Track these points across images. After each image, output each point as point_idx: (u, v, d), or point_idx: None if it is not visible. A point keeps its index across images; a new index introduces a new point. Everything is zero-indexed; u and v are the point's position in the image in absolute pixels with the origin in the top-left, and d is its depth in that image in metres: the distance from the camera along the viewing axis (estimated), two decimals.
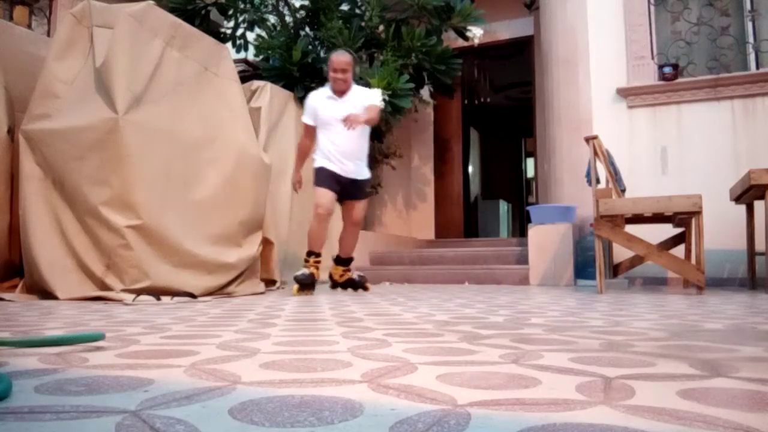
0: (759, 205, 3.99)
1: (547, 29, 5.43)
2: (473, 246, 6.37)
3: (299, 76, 5.41)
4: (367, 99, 3.55)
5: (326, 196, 3.49)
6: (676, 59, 5.09)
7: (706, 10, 5.10)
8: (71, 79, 3.14)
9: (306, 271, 3.48)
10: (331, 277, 3.92)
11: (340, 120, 3.40)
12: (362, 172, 3.67)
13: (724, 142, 4.80)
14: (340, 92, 3.55)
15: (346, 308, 2.43)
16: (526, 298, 3.11)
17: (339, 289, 3.90)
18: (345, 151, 3.54)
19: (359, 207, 3.71)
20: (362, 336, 1.46)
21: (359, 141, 3.58)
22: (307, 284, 3.45)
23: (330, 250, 4.14)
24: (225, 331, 1.56)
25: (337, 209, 3.85)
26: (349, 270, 3.82)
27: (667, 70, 4.96)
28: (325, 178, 3.53)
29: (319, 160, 3.57)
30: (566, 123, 5.16)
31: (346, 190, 3.61)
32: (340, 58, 3.55)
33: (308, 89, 4.38)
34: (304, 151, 3.75)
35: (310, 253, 3.55)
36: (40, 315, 2.09)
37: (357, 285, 3.83)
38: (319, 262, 3.54)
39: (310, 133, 3.65)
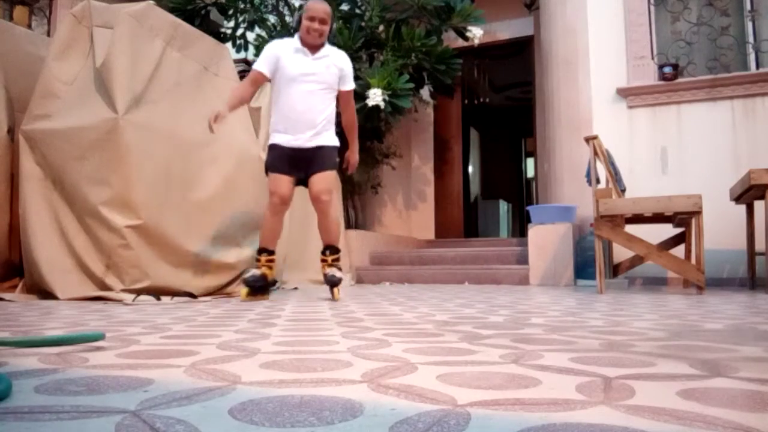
0: (759, 205, 3.99)
1: (547, 29, 5.43)
2: (473, 246, 6.37)
3: None
4: (342, 66, 2.99)
5: (282, 181, 2.92)
6: (676, 59, 5.09)
7: (706, 10, 5.10)
8: (71, 79, 3.14)
9: (256, 272, 2.93)
10: None
11: (307, 79, 2.89)
12: (328, 139, 2.98)
13: (724, 142, 4.80)
14: (312, 47, 2.93)
15: (346, 308, 2.43)
16: (526, 298, 3.11)
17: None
18: (306, 117, 2.90)
19: (318, 179, 2.94)
20: (362, 336, 1.46)
21: (325, 105, 2.96)
22: (257, 287, 2.94)
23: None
24: (225, 331, 1.56)
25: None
26: (326, 262, 3.05)
27: (667, 70, 4.97)
28: (279, 159, 2.92)
29: (274, 134, 2.97)
30: (566, 123, 5.16)
31: (311, 163, 2.95)
32: (319, 5, 2.93)
33: None
34: (241, 98, 2.94)
35: (261, 251, 2.99)
36: (40, 315, 2.09)
37: (330, 284, 3.06)
38: (272, 260, 2.99)
39: (257, 84, 2.98)
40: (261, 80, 2.96)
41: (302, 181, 3.01)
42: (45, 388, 0.84)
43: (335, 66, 2.97)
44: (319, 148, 2.94)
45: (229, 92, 2.87)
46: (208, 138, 3.46)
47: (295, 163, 2.93)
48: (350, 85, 3.05)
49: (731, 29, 5.02)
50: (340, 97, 3.05)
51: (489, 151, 11.02)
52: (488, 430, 0.63)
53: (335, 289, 3.02)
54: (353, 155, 3.14)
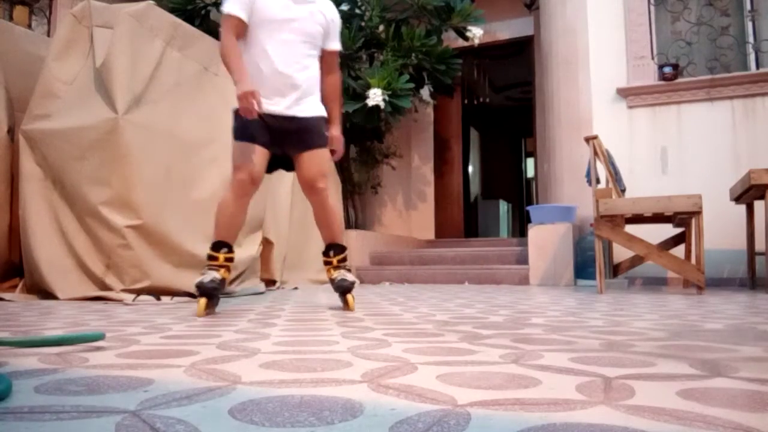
0: (759, 205, 3.99)
1: (547, 29, 5.43)
2: (473, 246, 6.37)
3: None
4: (330, 16, 2.39)
5: (256, 153, 2.23)
6: (676, 59, 5.09)
7: (706, 10, 5.10)
8: (71, 79, 3.14)
9: (216, 275, 2.18)
10: None
11: (286, 27, 2.27)
12: (315, 107, 2.34)
13: (724, 142, 4.80)
14: None
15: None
16: (526, 298, 3.11)
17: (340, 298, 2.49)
18: (286, 74, 2.26)
19: (309, 160, 2.32)
20: (362, 336, 1.46)
21: (308, 62, 2.33)
22: (214, 295, 2.20)
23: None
24: (225, 331, 1.56)
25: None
26: (332, 264, 2.41)
27: (667, 70, 4.97)
28: (250, 124, 2.20)
29: None
30: (566, 123, 5.16)
31: (293, 138, 2.30)
32: None
33: None
34: (240, 57, 2.22)
35: (218, 245, 2.25)
36: (40, 315, 2.09)
37: (340, 291, 2.41)
38: (231, 259, 2.27)
39: (240, 33, 2.25)
40: (241, 27, 2.26)
41: (280, 161, 2.37)
42: (45, 388, 0.84)
43: (321, 14, 2.37)
44: (305, 120, 2.31)
45: (225, 59, 2.20)
46: (208, 138, 3.46)
47: (271, 134, 2.27)
48: (337, 44, 2.46)
49: (731, 29, 5.02)
50: (323, 59, 2.42)
51: (489, 151, 11.02)
52: (488, 430, 0.63)
53: (349, 297, 2.39)
54: (339, 133, 2.46)
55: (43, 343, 1.22)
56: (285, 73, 2.27)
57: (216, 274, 2.18)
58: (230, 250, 2.27)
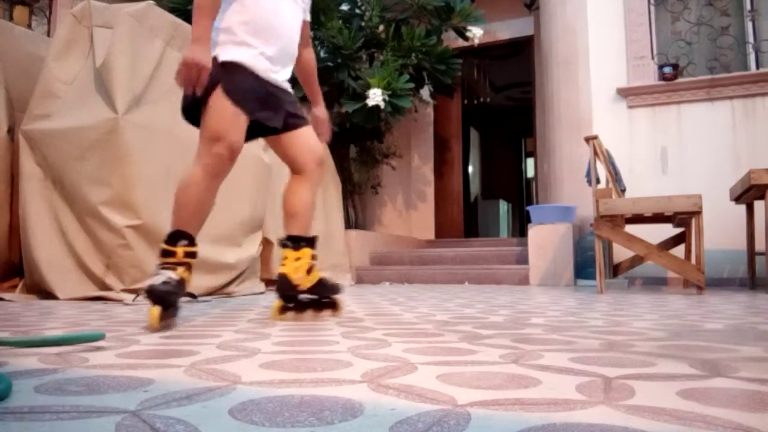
0: (759, 205, 3.99)
1: (547, 29, 5.43)
2: (473, 246, 6.37)
3: None
4: None
5: (240, 122, 1.80)
6: (676, 59, 5.09)
7: (706, 10, 5.10)
8: (71, 79, 3.14)
9: (172, 275, 1.67)
10: (283, 280, 1.91)
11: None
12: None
13: (724, 142, 4.81)
14: None
15: (346, 308, 2.42)
16: (526, 298, 3.11)
17: (294, 315, 1.93)
18: (291, 38, 1.96)
19: (312, 133, 2.03)
20: (362, 336, 1.46)
21: (299, 30, 2.04)
22: (170, 302, 1.67)
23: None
24: (225, 331, 1.56)
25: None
26: (316, 259, 1.98)
27: (667, 70, 4.97)
28: (243, 87, 1.80)
29: (240, 49, 1.82)
30: (566, 123, 5.16)
31: (289, 109, 1.96)
32: None
33: None
34: (213, 6, 1.77)
35: (176, 237, 1.75)
36: (40, 315, 2.09)
37: (335, 293, 2.00)
38: (193, 254, 1.77)
39: None
40: None
41: (255, 130, 1.91)
42: (45, 388, 0.84)
43: None
44: (293, 96, 2.03)
45: (201, 6, 1.72)
46: None
47: (262, 103, 1.87)
48: (307, 14, 2.13)
49: (731, 29, 5.02)
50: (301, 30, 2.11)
51: (489, 151, 11.03)
52: (488, 430, 0.63)
53: (340, 301, 2.06)
54: (325, 114, 2.20)
55: (43, 343, 1.22)
56: (291, 39, 1.97)
57: (172, 274, 1.68)
58: (192, 242, 1.77)
